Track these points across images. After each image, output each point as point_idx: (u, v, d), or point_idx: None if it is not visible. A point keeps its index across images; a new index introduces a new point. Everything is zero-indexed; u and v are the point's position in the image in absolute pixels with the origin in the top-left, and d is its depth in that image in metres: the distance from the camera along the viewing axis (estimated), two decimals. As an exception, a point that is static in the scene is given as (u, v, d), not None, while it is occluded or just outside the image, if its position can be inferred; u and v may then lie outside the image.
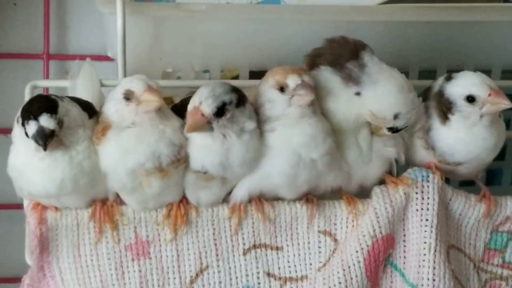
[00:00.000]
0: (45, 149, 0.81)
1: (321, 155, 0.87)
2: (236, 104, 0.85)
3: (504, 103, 0.88)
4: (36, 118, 0.82)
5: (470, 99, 0.90)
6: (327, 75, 0.89)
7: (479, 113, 0.89)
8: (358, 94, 0.88)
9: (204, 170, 0.86)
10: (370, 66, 0.88)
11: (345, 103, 0.89)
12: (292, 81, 0.86)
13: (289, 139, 0.87)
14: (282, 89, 0.87)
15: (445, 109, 0.91)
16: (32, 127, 0.82)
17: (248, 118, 0.86)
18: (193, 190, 0.89)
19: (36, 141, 0.81)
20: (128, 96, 0.85)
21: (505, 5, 1.09)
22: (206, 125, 0.84)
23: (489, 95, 0.89)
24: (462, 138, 0.91)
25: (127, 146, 0.85)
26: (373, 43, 0.91)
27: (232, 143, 0.85)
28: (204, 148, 0.86)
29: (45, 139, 0.81)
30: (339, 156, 0.89)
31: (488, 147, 0.91)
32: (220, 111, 0.84)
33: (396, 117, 0.88)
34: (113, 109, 0.86)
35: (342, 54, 0.89)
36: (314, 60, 0.91)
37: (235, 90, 0.86)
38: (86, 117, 0.87)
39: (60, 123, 0.83)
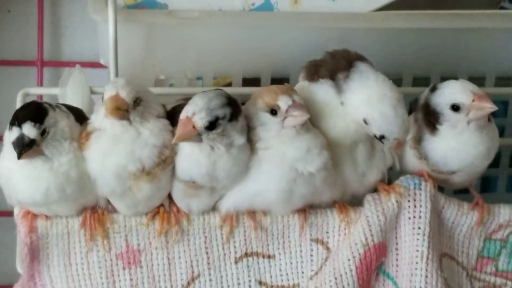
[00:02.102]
0: (19, 157, 0.81)
1: (318, 168, 0.86)
2: (229, 118, 0.83)
3: (488, 107, 0.88)
4: (19, 125, 0.81)
5: (455, 107, 0.89)
6: (327, 88, 0.88)
7: (466, 120, 0.89)
8: (342, 103, 0.87)
9: (191, 180, 0.86)
10: (353, 79, 0.87)
11: (343, 117, 0.88)
12: (283, 102, 0.85)
13: (285, 154, 0.85)
14: (273, 111, 0.85)
15: (433, 119, 0.90)
16: (14, 133, 0.82)
17: (239, 133, 0.85)
18: (183, 199, 0.88)
19: (14, 148, 0.81)
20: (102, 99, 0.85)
21: (499, 12, 1.10)
22: (195, 137, 0.83)
23: (473, 100, 0.89)
24: (453, 147, 0.90)
25: (106, 149, 0.84)
26: (366, 50, 0.90)
27: (219, 155, 0.84)
28: (191, 158, 0.85)
29: (22, 147, 0.81)
30: (334, 172, 0.88)
31: (481, 153, 0.91)
32: (211, 125, 0.82)
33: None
34: (96, 112, 0.86)
35: (339, 65, 0.88)
36: (314, 70, 0.90)
37: (231, 103, 0.84)
38: (78, 128, 0.86)
39: (44, 133, 0.83)
